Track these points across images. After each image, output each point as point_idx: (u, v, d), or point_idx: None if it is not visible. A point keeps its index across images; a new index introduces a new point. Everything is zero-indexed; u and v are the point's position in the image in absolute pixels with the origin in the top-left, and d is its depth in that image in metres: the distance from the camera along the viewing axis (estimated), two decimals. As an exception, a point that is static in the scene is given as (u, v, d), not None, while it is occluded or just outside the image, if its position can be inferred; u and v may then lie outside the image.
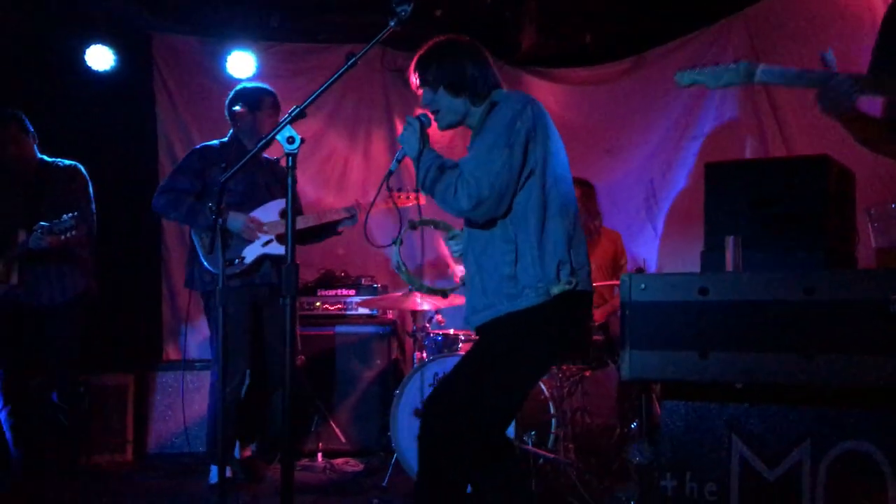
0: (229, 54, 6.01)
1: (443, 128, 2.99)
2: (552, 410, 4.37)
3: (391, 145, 6.40)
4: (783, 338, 2.30)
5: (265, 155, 4.80)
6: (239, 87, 4.77)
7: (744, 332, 2.36)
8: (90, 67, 5.86)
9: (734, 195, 2.73)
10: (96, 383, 5.35)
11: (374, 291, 5.71)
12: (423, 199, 4.35)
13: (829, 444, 2.29)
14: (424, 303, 4.90)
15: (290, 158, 2.45)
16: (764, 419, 2.38)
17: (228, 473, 4.41)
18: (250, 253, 4.56)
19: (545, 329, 2.77)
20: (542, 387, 4.38)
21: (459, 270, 3.53)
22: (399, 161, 2.95)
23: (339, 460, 5.38)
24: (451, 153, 3.11)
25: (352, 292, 5.73)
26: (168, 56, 6.20)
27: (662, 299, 2.49)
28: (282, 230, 4.56)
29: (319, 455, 5.37)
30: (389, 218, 4.90)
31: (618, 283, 3.36)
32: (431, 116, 2.95)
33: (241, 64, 6.00)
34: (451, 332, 4.93)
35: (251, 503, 4.34)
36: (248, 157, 3.01)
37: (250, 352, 4.64)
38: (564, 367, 4.46)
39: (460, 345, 4.80)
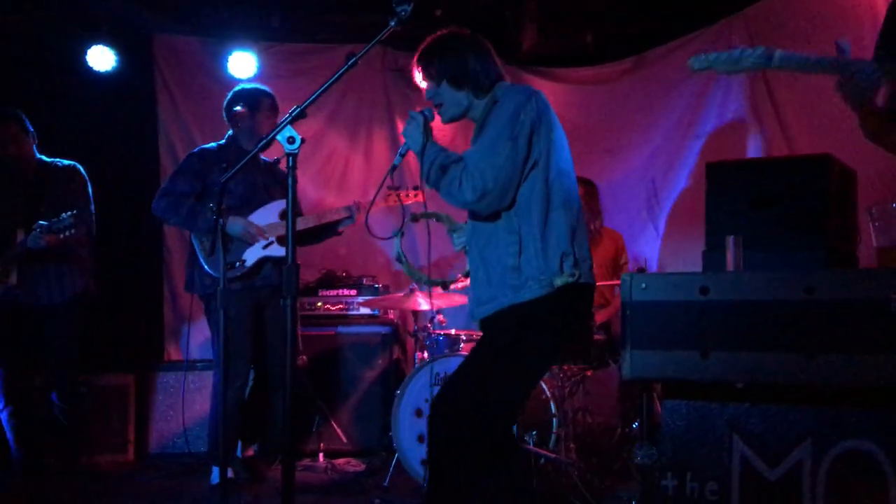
0: (230, 55, 6.01)
1: (446, 121, 3.01)
2: (553, 410, 4.37)
3: (392, 145, 6.40)
4: (784, 337, 2.30)
5: (263, 157, 4.78)
6: (237, 88, 4.77)
7: (745, 331, 2.36)
8: (91, 68, 5.86)
9: (735, 195, 2.73)
10: (97, 383, 5.35)
11: (375, 291, 5.71)
12: (422, 197, 4.36)
13: (829, 444, 2.28)
14: (425, 303, 4.90)
15: (291, 158, 2.45)
16: (765, 419, 2.38)
17: (230, 474, 4.41)
18: (251, 256, 4.56)
19: (548, 320, 2.79)
20: (544, 386, 4.38)
21: (460, 268, 3.53)
22: (403, 155, 2.95)
23: (341, 460, 5.38)
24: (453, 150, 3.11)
25: (353, 292, 5.72)
26: (169, 56, 6.20)
27: (663, 299, 2.48)
28: (282, 232, 4.55)
29: (321, 455, 5.37)
30: (390, 217, 4.90)
31: (619, 282, 3.35)
32: (435, 110, 2.97)
33: (243, 64, 6.00)
34: (453, 332, 4.93)
35: (253, 503, 4.34)
36: (249, 156, 3.01)
37: (252, 353, 4.64)
38: (566, 367, 4.46)
39: (462, 345, 4.80)
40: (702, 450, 2.46)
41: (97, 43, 5.83)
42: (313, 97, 2.54)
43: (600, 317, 5.08)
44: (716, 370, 2.38)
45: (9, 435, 4.68)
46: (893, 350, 2.15)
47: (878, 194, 3.98)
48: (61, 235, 4.29)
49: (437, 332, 4.94)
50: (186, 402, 5.32)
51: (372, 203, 3.20)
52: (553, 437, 4.34)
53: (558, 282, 2.75)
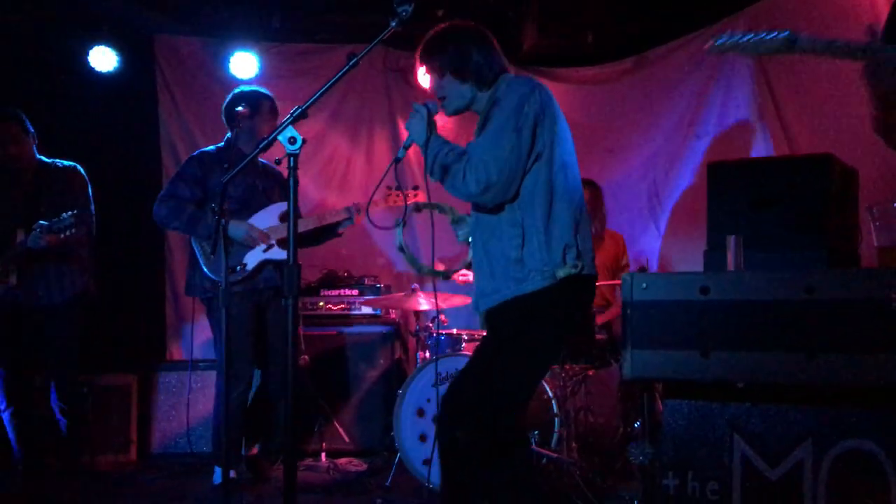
0: (232, 55, 6.02)
1: (450, 113, 3.01)
2: (555, 410, 4.37)
3: (393, 145, 6.41)
4: (785, 337, 2.30)
5: (261, 159, 4.78)
6: (237, 89, 4.75)
7: (745, 331, 2.36)
8: (93, 68, 5.87)
9: (736, 194, 2.73)
10: (99, 383, 5.35)
11: (376, 291, 5.71)
12: (423, 197, 4.36)
13: (830, 444, 2.28)
14: (427, 303, 4.91)
15: (292, 159, 2.45)
16: (765, 418, 2.38)
17: (232, 474, 4.42)
18: (252, 259, 4.55)
19: (551, 312, 2.80)
20: (546, 386, 4.39)
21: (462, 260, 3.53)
22: (407, 148, 2.95)
23: (343, 460, 5.39)
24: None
25: (355, 292, 5.73)
26: (170, 57, 6.21)
27: (664, 298, 2.49)
28: (282, 234, 4.55)
29: (323, 455, 5.38)
30: (391, 217, 4.90)
31: (620, 282, 3.36)
32: (439, 103, 2.97)
33: (244, 64, 6.01)
34: (455, 331, 4.93)
35: (255, 503, 4.35)
36: (250, 156, 3.00)
37: (254, 354, 4.64)
38: (568, 367, 4.46)
39: (463, 344, 4.80)
40: (703, 449, 2.46)
41: (99, 43, 5.85)
42: (315, 97, 2.54)
43: (602, 317, 5.09)
44: (716, 370, 2.39)
45: (10, 435, 4.68)
46: (894, 350, 2.16)
47: (879, 194, 3.98)
48: (62, 235, 4.29)
49: (439, 331, 4.94)
50: (189, 402, 5.32)
51: (374, 192, 3.17)
52: (555, 436, 4.35)
53: (561, 273, 2.76)
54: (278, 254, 4.57)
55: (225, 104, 4.70)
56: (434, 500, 4.16)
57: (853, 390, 2.27)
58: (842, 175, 2.73)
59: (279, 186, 4.79)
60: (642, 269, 4.76)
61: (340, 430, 5.44)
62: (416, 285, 5.06)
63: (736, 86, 5.58)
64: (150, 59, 6.16)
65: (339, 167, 6.48)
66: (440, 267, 3.38)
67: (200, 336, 5.67)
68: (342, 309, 5.72)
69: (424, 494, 4.31)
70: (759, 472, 2.37)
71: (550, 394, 4.39)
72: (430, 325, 4.96)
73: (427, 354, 4.93)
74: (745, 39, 2.42)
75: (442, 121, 3.04)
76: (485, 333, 3.07)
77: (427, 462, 4.25)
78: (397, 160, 2.92)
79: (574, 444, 4.37)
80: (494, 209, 2.84)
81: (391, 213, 4.85)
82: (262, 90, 4.78)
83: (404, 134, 2.99)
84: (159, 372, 5.58)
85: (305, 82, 6.13)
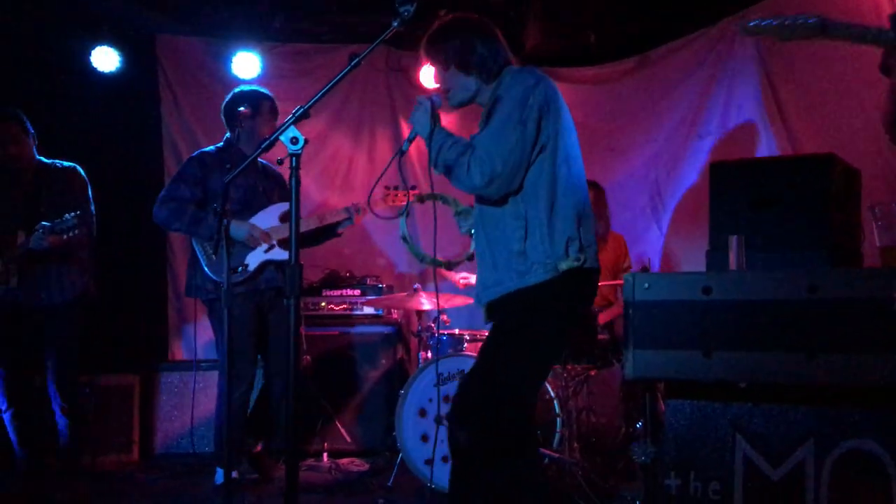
0: (233, 55, 6.02)
1: (454, 105, 3.01)
2: (557, 410, 4.38)
3: (396, 145, 6.40)
4: (787, 337, 2.29)
5: (261, 160, 4.78)
6: (237, 89, 4.74)
7: (747, 331, 2.35)
8: (95, 69, 5.88)
9: (738, 194, 2.73)
10: (102, 384, 5.36)
11: (378, 291, 5.71)
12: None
13: (832, 444, 2.28)
14: (429, 303, 4.90)
15: (294, 159, 2.45)
16: (768, 418, 2.38)
17: (234, 475, 4.42)
18: (253, 260, 4.55)
19: (553, 305, 2.80)
20: (548, 386, 4.38)
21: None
22: (411, 140, 2.95)
23: (345, 460, 5.39)
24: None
25: (357, 292, 5.73)
26: (172, 57, 6.21)
27: (666, 298, 2.48)
28: (283, 234, 4.55)
29: (325, 455, 5.38)
30: (391, 214, 4.91)
31: (622, 283, 3.35)
32: (443, 96, 2.97)
33: (246, 64, 6.01)
34: (457, 331, 4.93)
35: (257, 503, 4.35)
36: (252, 156, 3.00)
37: (256, 355, 4.65)
38: (570, 367, 4.46)
39: (465, 344, 4.80)
40: (705, 449, 2.45)
41: (100, 43, 5.85)
42: (317, 97, 2.54)
43: (604, 317, 5.08)
44: (719, 370, 2.38)
45: (12, 436, 4.68)
46: (896, 349, 2.15)
47: (881, 193, 3.98)
48: (64, 236, 4.29)
49: (441, 331, 4.95)
50: (191, 403, 5.32)
51: (375, 185, 3.17)
52: (557, 436, 4.35)
53: (564, 266, 2.75)
54: (280, 254, 4.56)
55: (224, 104, 4.70)
56: (436, 500, 4.16)
57: (856, 390, 2.27)
58: (844, 175, 2.73)
59: (279, 187, 4.78)
60: (644, 269, 4.75)
61: (342, 430, 5.44)
62: (418, 285, 5.06)
63: (738, 86, 5.57)
64: (151, 59, 6.17)
65: (341, 167, 6.49)
66: (442, 259, 3.38)
67: (203, 336, 5.68)
68: (344, 309, 5.73)
69: (426, 495, 4.30)
70: (762, 472, 2.37)
71: (552, 394, 4.39)
72: (432, 325, 4.96)
73: (429, 354, 4.93)
74: (776, 23, 2.42)
75: (445, 117, 3.04)
76: (487, 333, 3.07)
77: (429, 462, 4.25)
78: (401, 153, 2.92)
79: (576, 445, 4.37)
80: (498, 201, 2.84)
81: (391, 212, 4.85)
82: (263, 90, 4.77)
83: (406, 133, 2.99)
84: (161, 372, 5.58)
85: (307, 82, 6.14)
